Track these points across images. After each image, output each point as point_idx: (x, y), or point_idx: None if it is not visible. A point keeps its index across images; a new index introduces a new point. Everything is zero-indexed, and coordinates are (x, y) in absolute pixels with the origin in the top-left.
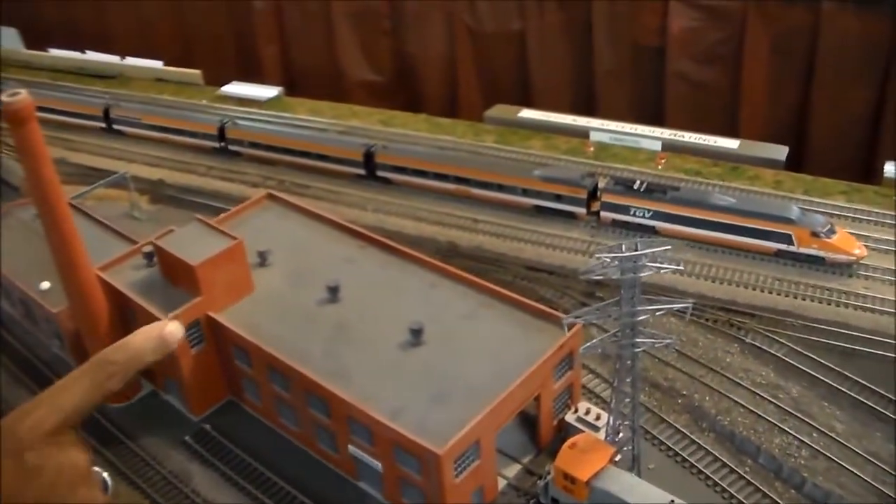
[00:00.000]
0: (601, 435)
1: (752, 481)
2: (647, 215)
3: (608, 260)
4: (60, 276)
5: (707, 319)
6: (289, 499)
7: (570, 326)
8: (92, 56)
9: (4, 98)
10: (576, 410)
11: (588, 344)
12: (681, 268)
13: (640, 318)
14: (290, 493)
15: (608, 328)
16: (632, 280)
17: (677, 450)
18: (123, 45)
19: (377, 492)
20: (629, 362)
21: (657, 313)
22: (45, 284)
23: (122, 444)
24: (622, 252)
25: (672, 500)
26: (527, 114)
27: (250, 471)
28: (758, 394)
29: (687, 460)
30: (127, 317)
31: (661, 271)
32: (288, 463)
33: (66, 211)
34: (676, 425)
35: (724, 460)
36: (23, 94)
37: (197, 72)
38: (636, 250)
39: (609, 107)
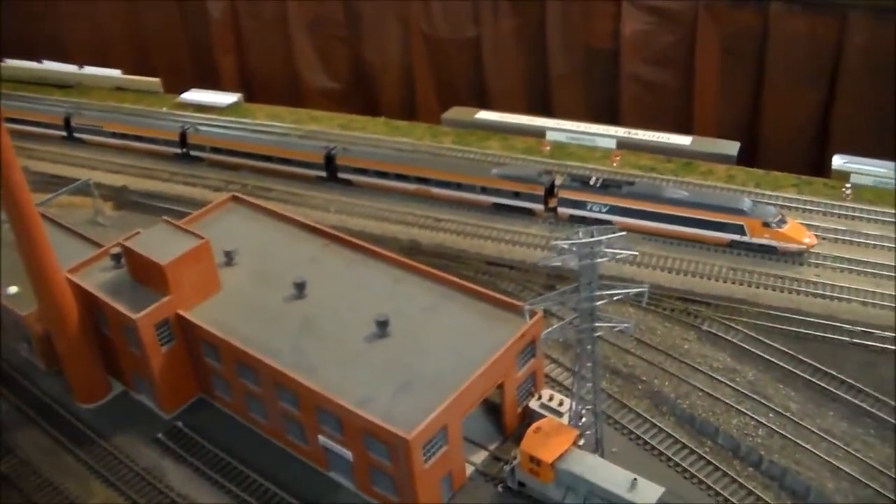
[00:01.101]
0: (564, 420)
1: (712, 461)
2: (603, 210)
3: (566, 247)
4: (30, 279)
5: (664, 309)
6: (261, 491)
7: (532, 313)
8: (50, 66)
9: None
10: (539, 397)
11: (549, 329)
12: (635, 253)
13: (599, 303)
14: (262, 486)
15: (567, 318)
16: (589, 266)
17: (639, 433)
18: (79, 55)
19: (348, 481)
20: (589, 347)
21: (614, 298)
22: (13, 289)
23: (95, 443)
24: (579, 238)
25: (635, 478)
26: (484, 115)
27: (223, 465)
28: (715, 378)
29: (648, 443)
30: (96, 317)
31: (617, 258)
32: (259, 456)
33: (35, 215)
34: (637, 410)
35: (685, 442)
36: None
37: (156, 80)
38: (592, 237)
39: (563, 108)
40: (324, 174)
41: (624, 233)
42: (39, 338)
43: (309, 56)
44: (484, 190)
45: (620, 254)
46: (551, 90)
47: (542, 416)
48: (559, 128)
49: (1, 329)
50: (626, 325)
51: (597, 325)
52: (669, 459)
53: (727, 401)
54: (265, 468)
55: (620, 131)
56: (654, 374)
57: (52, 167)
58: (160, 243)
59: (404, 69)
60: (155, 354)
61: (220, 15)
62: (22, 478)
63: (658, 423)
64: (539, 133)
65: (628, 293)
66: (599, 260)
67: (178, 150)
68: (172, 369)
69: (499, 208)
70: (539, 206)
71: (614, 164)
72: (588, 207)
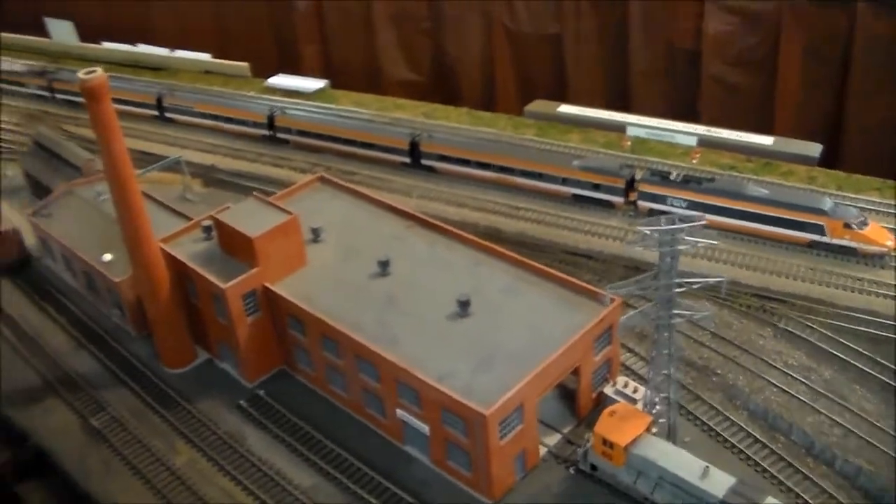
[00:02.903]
0: (639, 406)
1: (785, 457)
2: (683, 205)
3: (647, 232)
4: (127, 246)
5: (740, 305)
6: (338, 460)
7: (612, 299)
8: (143, 48)
9: (81, 75)
10: (614, 384)
11: (626, 315)
12: (715, 243)
13: (677, 291)
14: (339, 455)
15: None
16: (669, 252)
17: (711, 425)
18: (167, 41)
19: (423, 455)
20: (666, 335)
21: (693, 287)
22: (108, 257)
23: (180, 405)
24: (662, 225)
25: (707, 466)
26: (565, 109)
27: (302, 433)
28: (790, 375)
29: (721, 435)
30: (186, 287)
31: (698, 245)
32: (338, 427)
33: (134, 184)
34: (711, 402)
35: (757, 436)
36: (98, 72)
37: (245, 64)
38: (675, 225)
39: (643, 107)
40: (408, 160)
41: (705, 221)
42: (131, 304)
43: (391, 48)
44: (565, 181)
45: (701, 242)
46: (631, 88)
47: (616, 401)
48: (640, 123)
49: (96, 294)
50: (704, 314)
51: (674, 312)
52: (741, 452)
53: (802, 398)
54: (343, 439)
55: (701, 129)
56: (729, 367)
57: (144, 144)
58: (250, 217)
59: (485, 63)
60: (241, 324)
61: (305, 7)
62: (112, 433)
63: (731, 417)
64: (620, 128)
65: (707, 282)
66: (680, 247)
67: (266, 133)
68: (256, 339)
69: (579, 200)
70: (619, 199)
71: (694, 162)
72: (668, 202)
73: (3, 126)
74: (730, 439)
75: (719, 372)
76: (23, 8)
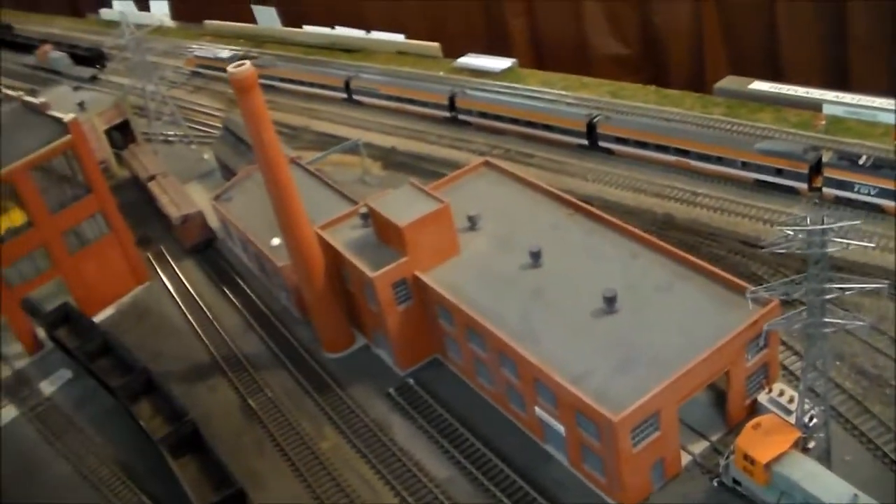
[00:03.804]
0: (792, 419)
1: None
2: (872, 193)
3: (790, 234)
4: (282, 233)
5: None
6: (477, 454)
7: (762, 301)
8: (340, 31)
9: (230, 69)
10: (770, 391)
11: (773, 321)
12: (871, 245)
13: (829, 296)
14: (478, 449)
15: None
16: (818, 255)
17: (878, 444)
18: (375, 21)
19: (562, 455)
20: (818, 343)
21: (846, 293)
22: (276, 241)
23: (332, 390)
24: (806, 225)
25: (856, 495)
26: (758, 85)
27: (446, 426)
28: None
29: (888, 456)
30: (342, 273)
31: (850, 247)
32: (482, 420)
33: (286, 172)
34: (881, 417)
35: None
36: (247, 65)
37: (435, 44)
38: (822, 224)
39: (863, 79)
40: (585, 142)
41: (858, 222)
42: (294, 288)
43: (598, 20)
44: (745, 165)
45: (854, 244)
46: (850, 58)
47: (769, 411)
48: (837, 100)
49: (266, 277)
50: (859, 323)
51: (827, 319)
52: None
53: None
54: (485, 433)
55: None
56: None
57: (331, 127)
58: (403, 205)
59: (694, 35)
60: (391, 312)
61: None
62: (266, 414)
63: None
64: (815, 106)
65: (864, 288)
66: (830, 249)
67: (447, 114)
68: (408, 328)
69: (760, 185)
70: (803, 185)
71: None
72: (856, 189)
73: (205, 111)
74: None
75: (894, 384)
76: None
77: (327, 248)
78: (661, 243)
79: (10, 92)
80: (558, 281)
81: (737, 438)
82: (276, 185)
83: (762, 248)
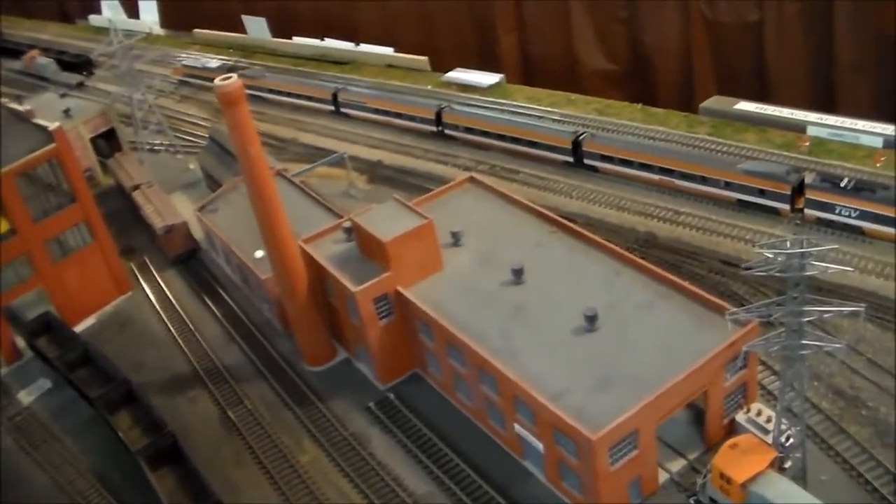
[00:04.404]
0: (770, 438)
1: None
2: (853, 215)
3: (770, 256)
4: (265, 244)
5: None
6: (455, 470)
7: (736, 322)
8: (329, 43)
9: (217, 82)
10: (748, 411)
11: (752, 342)
12: (850, 269)
13: (805, 319)
14: (457, 465)
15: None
16: (797, 278)
17: (854, 464)
18: (367, 34)
19: (540, 472)
20: (796, 364)
21: (824, 316)
22: (259, 253)
23: (312, 404)
24: (785, 248)
25: None
26: (743, 106)
27: (424, 441)
28: None
29: (863, 476)
30: (325, 286)
31: (829, 272)
32: (461, 436)
33: (271, 187)
34: (857, 437)
35: None
36: (233, 78)
37: (424, 58)
38: (802, 247)
39: (850, 101)
40: (570, 159)
41: (836, 246)
42: (277, 300)
43: (587, 36)
44: (728, 185)
45: (832, 268)
46: (837, 81)
47: (747, 431)
48: (822, 122)
49: (249, 289)
50: (836, 345)
51: (803, 342)
52: (884, 499)
53: None
54: (464, 449)
55: (890, 129)
56: (883, 400)
57: (317, 139)
58: (386, 220)
59: (683, 53)
60: (373, 327)
61: None
62: (246, 426)
63: (878, 457)
64: (800, 127)
65: (841, 312)
66: (808, 273)
67: (434, 129)
68: (389, 342)
69: (743, 205)
70: (785, 206)
71: (878, 165)
72: (837, 211)
73: (192, 120)
74: (873, 482)
75: (871, 405)
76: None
77: (310, 262)
78: (643, 262)
79: None
80: (540, 298)
81: (714, 457)
82: (260, 199)
83: (743, 269)
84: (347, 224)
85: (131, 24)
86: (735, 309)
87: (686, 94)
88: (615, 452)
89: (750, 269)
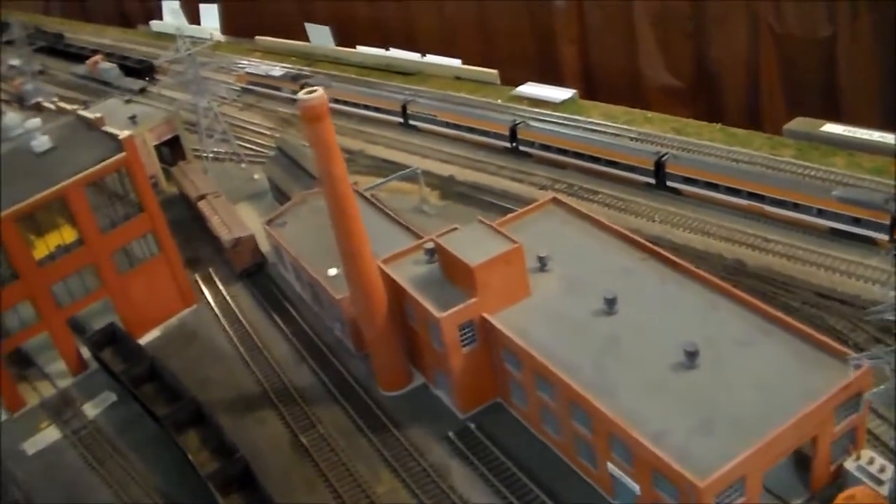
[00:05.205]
0: (884, 490)
1: None
2: None
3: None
4: (343, 265)
5: None
6: None
7: (858, 367)
8: (395, 53)
9: (301, 95)
10: (857, 458)
11: (876, 390)
12: None
13: None
14: (543, 502)
15: None
16: None
17: None
18: (426, 44)
19: None
20: None
21: None
22: (333, 271)
23: (389, 431)
24: None
25: None
26: (830, 128)
27: (508, 475)
28: None
29: None
30: (404, 308)
31: None
32: (546, 471)
33: (353, 205)
34: None
35: None
36: (319, 92)
37: (494, 71)
38: None
39: None
40: (652, 181)
41: None
42: (352, 321)
43: (651, 51)
44: (821, 213)
45: None
46: None
47: (858, 480)
48: None
49: (320, 307)
50: None
51: None
52: None
53: None
54: (548, 484)
55: None
56: None
57: (386, 152)
58: (473, 243)
59: (750, 69)
60: (455, 354)
61: (565, 6)
62: (319, 452)
63: None
64: (892, 152)
65: None
66: None
67: (508, 145)
68: (472, 370)
69: (836, 234)
70: (883, 237)
71: None
72: None
73: (255, 129)
74: None
75: None
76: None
77: (390, 283)
78: (742, 294)
79: (64, 105)
80: (634, 330)
81: None
82: (342, 219)
83: (866, 315)
84: (429, 245)
85: (192, 29)
86: (859, 354)
87: (753, 111)
88: (721, 500)
89: (875, 313)
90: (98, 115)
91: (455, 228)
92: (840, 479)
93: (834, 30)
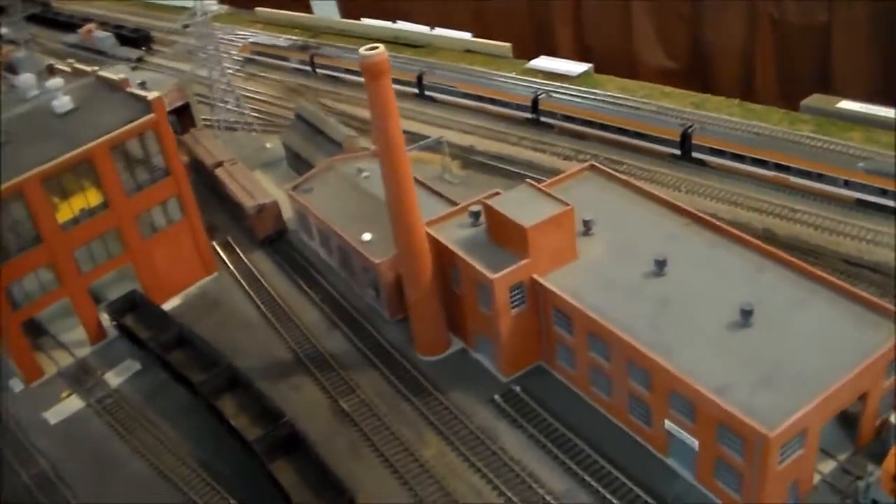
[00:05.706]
0: None
1: None
2: None
3: None
4: (393, 228)
5: None
6: (595, 466)
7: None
8: (403, 25)
9: (362, 51)
10: None
11: None
12: None
13: None
14: (595, 461)
15: None
16: None
17: None
18: (422, 22)
19: (687, 470)
20: None
21: None
22: (367, 236)
23: (431, 395)
24: None
25: None
26: (847, 105)
27: (558, 435)
28: None
29: None
30: (448, 272)
31: None
32: (595, 431)
33: (406, 165)
34: None
35: None
36: (380, 49)
37: (507, 44)
38: None
39: None
40: (678, 152)
41: None
42: (389, 287)
43: (647, 32)
44: (847, 184)
45: None
46: None
47: None
48: None
49: (351, 273)
50: None
51: None
52: None
53: None
54: (600, 445)
55: None
56: None
57: (405, 123)
58: (523, 206)
59: (745, 54)
60: (505, 316)
61: None
62: (361, 417)
63: None
64: None
65: None
66: None
67: (529, 116)
68: (519, 333)
69: (862, 205)
70: None
71: None
72: None
73: (261, 98)
74: None
75: None
76: None
77: (436, 247)
78: (788, 257)
79: (81, 66)
80: (685, 291)
81: (884, 462)
82: (394, 177)
83: None
84: (475, 208)
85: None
86: None
87: (746, 95)
88: (784, 451)
89: None
90: (122, 76)
91: (498, 192)
92: (885, 433)
93: (830, 17)
